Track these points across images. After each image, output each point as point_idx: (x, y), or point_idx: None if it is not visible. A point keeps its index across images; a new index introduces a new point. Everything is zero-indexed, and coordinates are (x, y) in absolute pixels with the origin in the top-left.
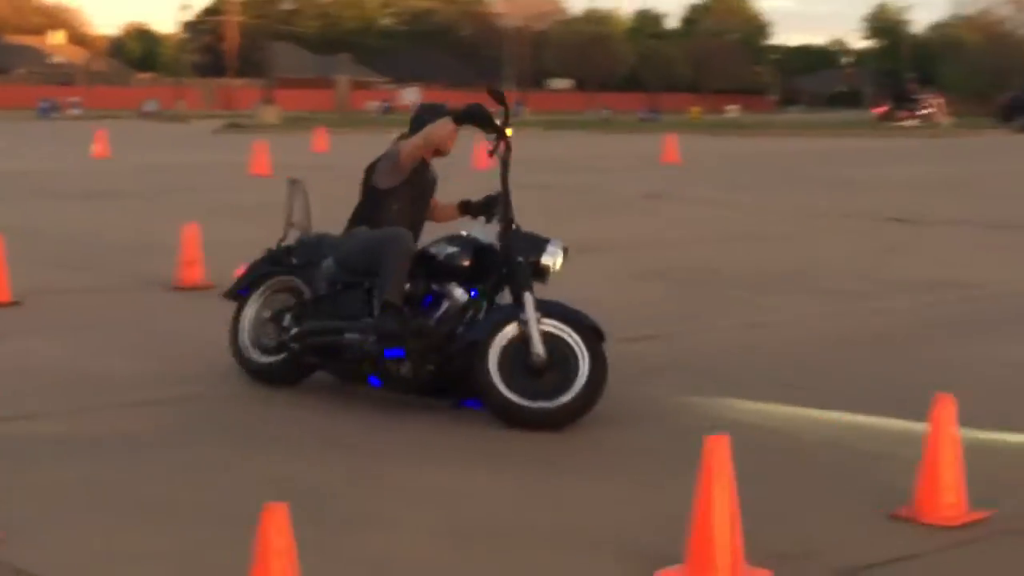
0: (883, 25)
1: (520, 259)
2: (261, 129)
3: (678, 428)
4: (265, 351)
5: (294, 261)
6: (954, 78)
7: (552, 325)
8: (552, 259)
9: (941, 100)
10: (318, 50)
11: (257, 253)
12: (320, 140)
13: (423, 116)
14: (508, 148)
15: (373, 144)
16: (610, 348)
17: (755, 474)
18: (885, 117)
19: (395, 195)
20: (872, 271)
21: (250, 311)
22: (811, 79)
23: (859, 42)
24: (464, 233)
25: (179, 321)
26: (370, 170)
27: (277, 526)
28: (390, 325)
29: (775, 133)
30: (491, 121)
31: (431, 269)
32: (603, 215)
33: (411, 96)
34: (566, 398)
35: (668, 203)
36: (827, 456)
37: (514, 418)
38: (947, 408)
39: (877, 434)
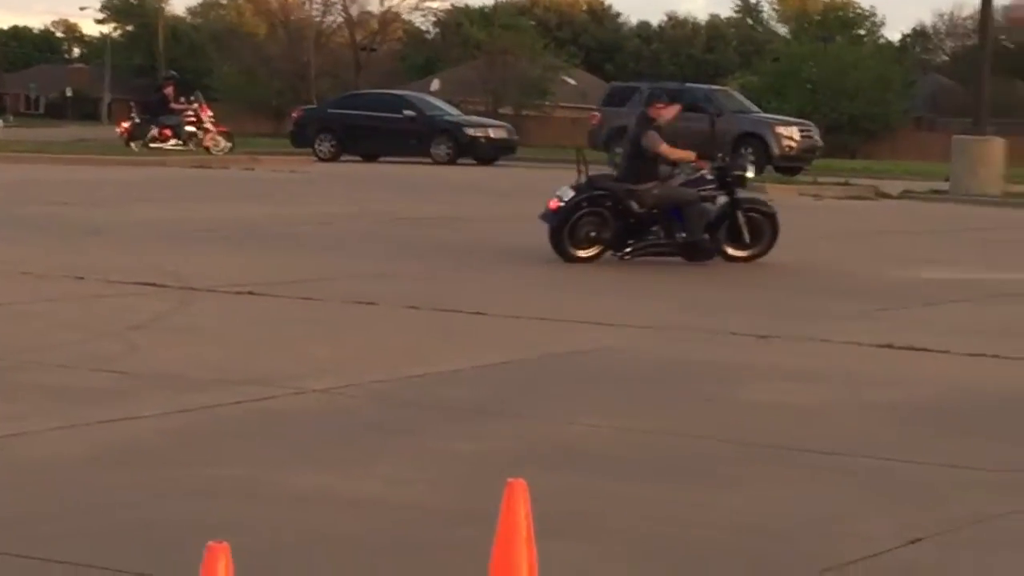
0: (129, 5)
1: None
2: None
3: None
4: None
5: None
6: (229, 83)
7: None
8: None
9: (211, 114)
10: None
11: None
12: None
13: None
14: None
15: None
16: None
17: None
18: (133, 136)
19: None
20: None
21: None
22: (21, 77)
23: (94, 26)
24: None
25: None
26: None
27: None
28: None
29: None
30: None
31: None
32: None
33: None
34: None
35: None
36: None
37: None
38: None
39: None
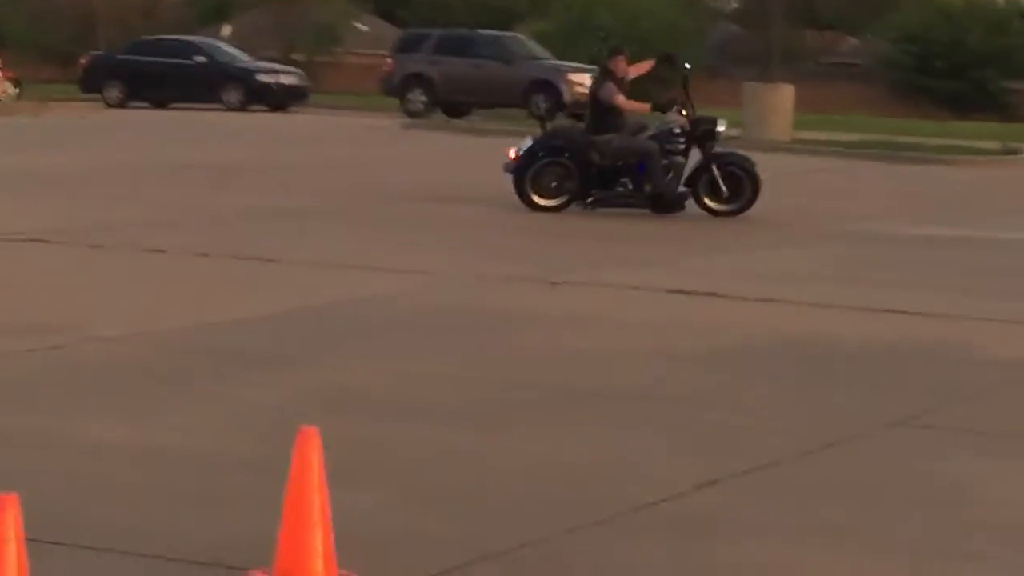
0: None
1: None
2: None
3: None
4: None
5: None
6: (17, 28)
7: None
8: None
9: None
10: None
11: None
12: None
13: None
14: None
15: None
16: None
17: None
18: None
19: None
20: None
21: None
22: None
23: None
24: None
25: None
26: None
27: None
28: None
29: None
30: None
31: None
32: None
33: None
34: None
35: None
36: None
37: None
38: None
39: None
